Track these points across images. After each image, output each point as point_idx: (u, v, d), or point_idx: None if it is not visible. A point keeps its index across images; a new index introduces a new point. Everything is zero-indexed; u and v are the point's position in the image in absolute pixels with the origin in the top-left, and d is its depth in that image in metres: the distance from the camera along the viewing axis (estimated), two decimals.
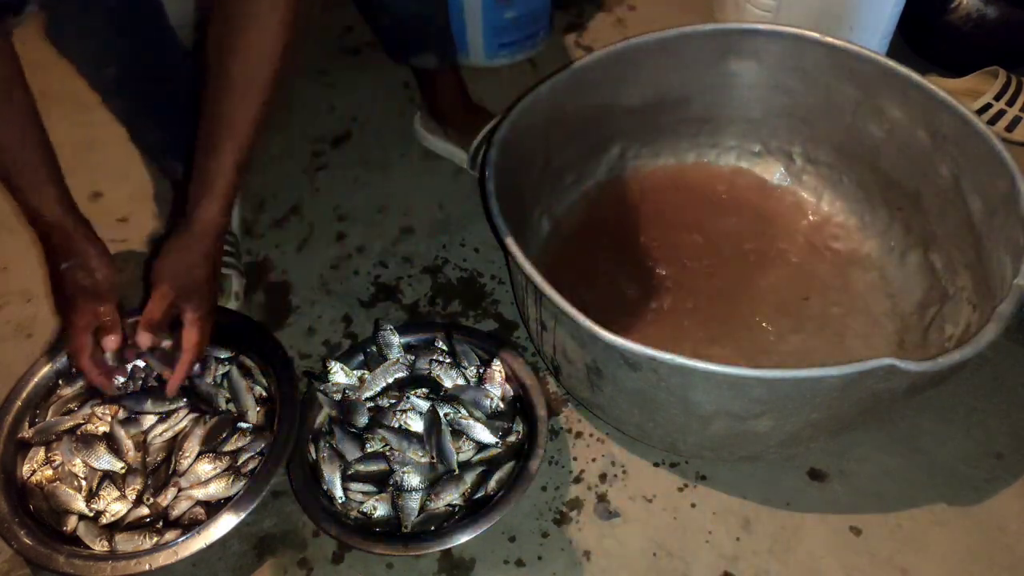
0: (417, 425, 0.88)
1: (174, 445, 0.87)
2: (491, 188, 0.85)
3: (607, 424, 0.94)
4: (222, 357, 0.94)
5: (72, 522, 0.83)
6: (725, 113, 1.10)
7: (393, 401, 0.90)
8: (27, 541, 0.79)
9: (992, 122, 1.22)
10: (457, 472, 0.84)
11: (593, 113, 1.04)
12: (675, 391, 0.74)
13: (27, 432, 0.88)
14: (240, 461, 0.86)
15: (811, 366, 0.68)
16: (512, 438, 0.88)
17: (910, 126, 0.95)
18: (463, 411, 0.88)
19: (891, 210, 1.02)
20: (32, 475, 0.86)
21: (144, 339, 0.83)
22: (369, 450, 0.87)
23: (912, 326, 0.95)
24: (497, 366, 0.92)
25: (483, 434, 0.87)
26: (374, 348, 0.95)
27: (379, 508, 0.83)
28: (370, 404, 0.90)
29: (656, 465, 0.91)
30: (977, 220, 0.88)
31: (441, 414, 0.87)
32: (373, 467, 0.85)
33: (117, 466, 0.85)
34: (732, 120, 1.11)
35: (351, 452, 0.87)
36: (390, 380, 0.91)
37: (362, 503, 0.84)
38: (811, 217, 1.09)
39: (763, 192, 1.12)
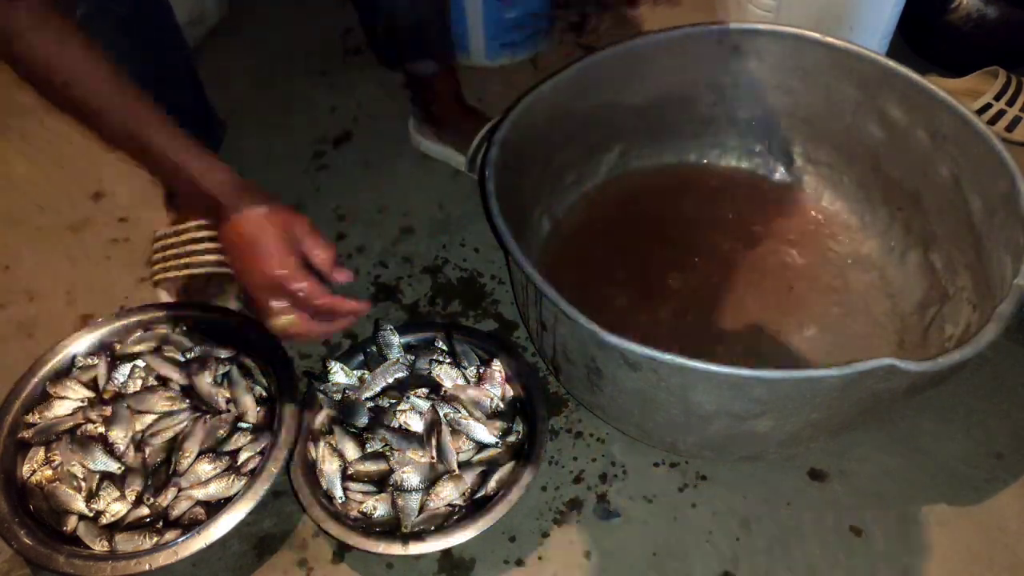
0: (417, 425, 0.88)
1: (174, 445, 0.87)
2: (491, 188, 0.85)
3: (607, 424, 0.94)
4: (222, 357, 0.94)
5: (72, 522, 0.83)
6: (726, 113, 1.10)
7: (393, 401, 0.90)
8: (27, 541, 0.79)
9: (992, 122, 1.22)
10: (457, 472, 0.84)
11: (595, 112, 1.04)
12: (675, 391, 0.74)
13: (27, 432, 0.88)
14: (240, 461, 0.86)
15: (811, 366, 0.68)
16: (512, 438, 0.88)
17: (910, 126, 0.95)
18: (463, 411, 0.88)
19: (891, 210, 1.02)
20: (32, 475, 0.86)
21: (343, 275, 0.79)
22: (369, 450, 0.87)
23: (912, 326, 0.95)
24: (497, 366, 0.92)
25: (483, 434, 0.87)
26: (374, 348, 0.95)
27: (379, 508, 0.83)
28: (370, 404, 0.90)
29: (656, 465, 0.91)
30: (977, 220, 0.88)
31: (441, 414, 0.87)
32: (373, 467, 0.85)
33: (113, 467, 0.85)
34: (733, 120, 1.11)
35: (351, 452, 0.87)
36: (390, 380, 0.91)
37: (362, 503, 0.84)
38: (811, 217, 1.09)
39: (764, 192, 1.12)
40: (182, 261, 1.04)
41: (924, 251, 0.97)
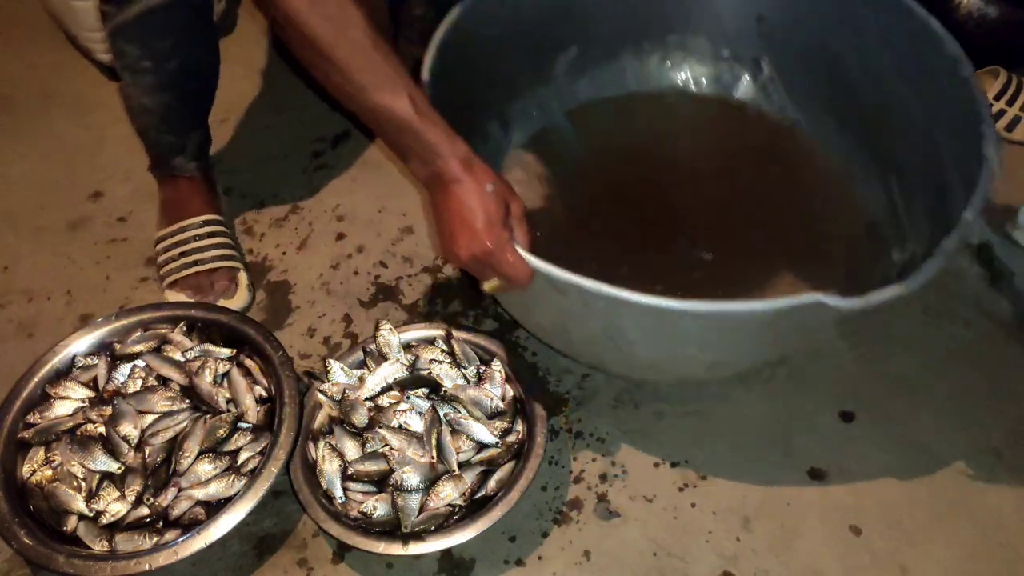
0: (417, 425, 0.88)
1: (174, 445, 0.87)
2: (429, 95, 0.80)
3: (607, 424, 0.94)
4: (222, 357, 0.94)
5: (72, 522, 0.83)
6: (693, 15, 1.06)
7: (393, 401, 0.90)
8: (27, 541, 0.79)
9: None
10: (457, 472, 0.84)
11: (549, 13, 1.00)
12: (602, 318, 0.73)
13: (27, 432, 0.88)
14: (240, 461, 0.86)
15: (759, 292, 0.67)
16: (512, 438, 0.88)
17: (882, 45, 0.93)
18: (463, 411, 0.89)
19: (856, 132, 0.99)
20: (32, 475, 0.86)
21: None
22: (369, 450, 0.87)
23: (863, 252, 0.93)
24: (497, 366, 0.92)
25: (483, 434, 0.87)
26: (374, 348, 0.95)
27: (379, 508, 0.83)
28: (370, 404, 0.90)
29: (656, 465, 0.91)
30: (939, 149, 0.86)
31: (441, 414, 0.88)
32: (373, 467, 0.85)
33: (113, 467, 0.85)
34: (700, 23, 1.07)
35: (351, 452, 0.87)
36: (390, 380, 0.91)
37: (362, 503, 0.84)
38: (774, 136, 1.05)
39: (727, 105, 1.08)
40: (192, 259, 1.05)
41: (884, 176, 0.95)
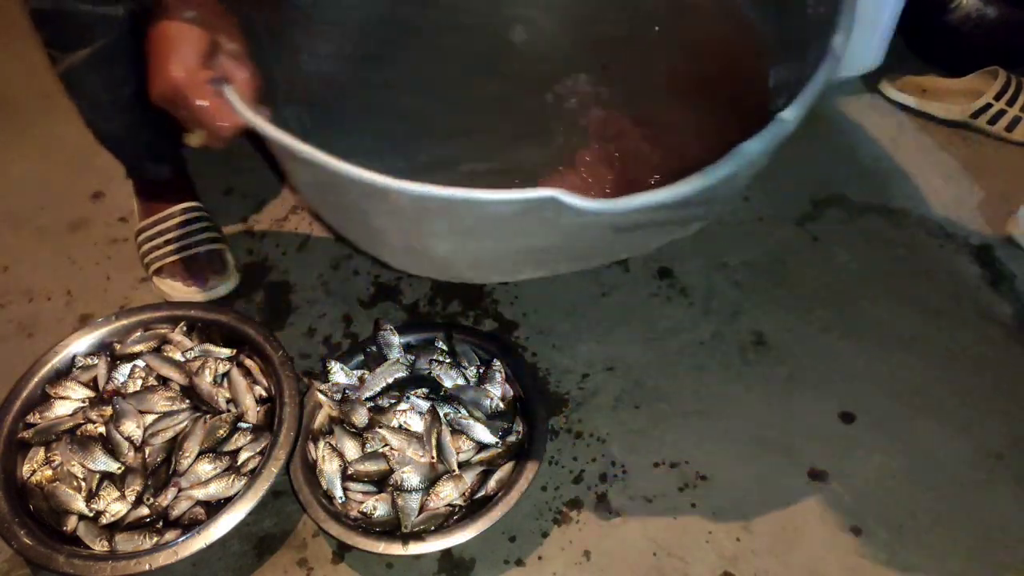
0: (417, 425, 0.88)
1: (174, 445, 0.87)
2: None
3: (607, 424, 0.94)
4: (222, 357, 0.94)
5: (72, 522, 0.83)
6: None
7: (393, 401, 0.90)
8: (27, 541, 0.79)
9: (992, 122, 1.22)
10: (457, 472, 0.84)
11: None
12: (343, 195, 0.65)
13: (27, 432, 0.88)
14: (240, 461, 0.86)
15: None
16: (512, 438, 0.88)
17: None
18: (463, 411, 0.89)
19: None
20: (32, 475, 0.86)
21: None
22: (369, 450, 0.87)
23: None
24: (497, 366, 0.92)
25: (483, 434, 0.87)
26: (374, 348, 0.96)
27: (379, 508, 0.83)
28: (370, 404, 0.90)
29: (656, 465, 0.91)
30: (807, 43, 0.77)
31: (441, 414, 0.88)
32: (373, 467, 0.85)
33: (113, 467, 0.85)
34: None
35: (351, 452, 0.87)
36: (390, 380, 0.91)
37: (362, 503, 0.84)
38: None
39: None
40: (177, 245, 1.05)
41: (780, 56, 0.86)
